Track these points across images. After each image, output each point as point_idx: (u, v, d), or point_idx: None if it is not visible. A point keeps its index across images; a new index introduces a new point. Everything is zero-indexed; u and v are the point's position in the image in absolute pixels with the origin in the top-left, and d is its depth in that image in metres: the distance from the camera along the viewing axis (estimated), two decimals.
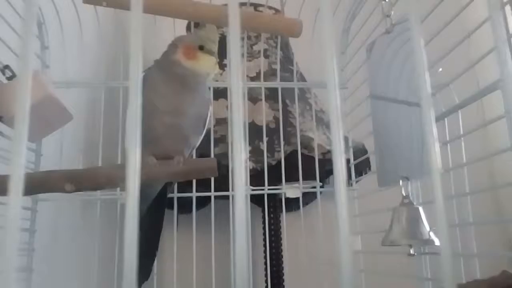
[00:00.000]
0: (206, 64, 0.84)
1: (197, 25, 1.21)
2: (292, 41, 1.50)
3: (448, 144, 0.86)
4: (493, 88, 0.72)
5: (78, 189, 0.75)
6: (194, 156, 1.02)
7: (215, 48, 0.85)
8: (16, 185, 0.25)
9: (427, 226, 0.81)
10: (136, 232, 0.24)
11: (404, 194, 0.85)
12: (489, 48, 0.67)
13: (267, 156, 1.17)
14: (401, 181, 0.85)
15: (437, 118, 0.89)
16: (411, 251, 0.82)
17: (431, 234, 0.79)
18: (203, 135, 0.91)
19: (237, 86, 0.26)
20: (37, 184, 0.74)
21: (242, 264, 0.25)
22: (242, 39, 1.26)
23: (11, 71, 0.75)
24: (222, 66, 1.26)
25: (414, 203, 0.84)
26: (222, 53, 0.88)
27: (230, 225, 1.02)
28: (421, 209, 0.83)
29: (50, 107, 0.77)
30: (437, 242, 0.79)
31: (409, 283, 0.84)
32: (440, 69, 0.82)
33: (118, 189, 1.03)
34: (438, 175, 0.27)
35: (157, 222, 0.99)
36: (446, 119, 0.88)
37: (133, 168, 0.24)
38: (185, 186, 1.11)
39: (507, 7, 0.67)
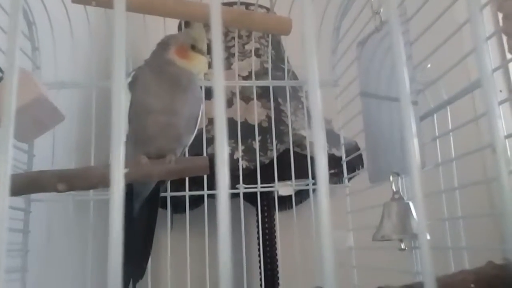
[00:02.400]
0: (199, 64, 0.85)
1: (188, 24, 1.21)
2: (284, 40, 1.50)
3: (438, 140, 0.87)
4: (476, 86, 0.72)
5: (71, 189, 0.76)
6: (187, 155, 1.03)
7: (205, 47, 0.86)
8: (3, 184, 0.25)
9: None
10: (121, 233, 0.25)
11: (394, 190, 0.85)
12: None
13: (260, 155, 1.18)
14: (391, 177, 0.85)
15: (426, 114, 0.89)
16: (402, 246, 0.82)
17: None
18: (194, 134, 0.92)
19: (219, 82, 0.27)
20: (29, 184, 0.74)
21: (226, 266, 0.25)
22: (233, 38, 1.26)
23: (2, 72, 0.75)
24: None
25: (405, 198, 0.85)
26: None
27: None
28: (411, 204, 0.83)
29: (41, 108, 0.77)
30: (427, 236, 0.79)
31: (401, 277, 0.85)
32: (429, 65, 0.83)
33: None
34: (417, 171, 0.28)
35: (151, 221, 0.99)
36: (435, 115, 0.88)
37: (117, 168, 0.24)
38: (178, 185, 1.11)
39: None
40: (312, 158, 1.15)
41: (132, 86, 0.85)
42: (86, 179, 0.76)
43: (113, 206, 0.24)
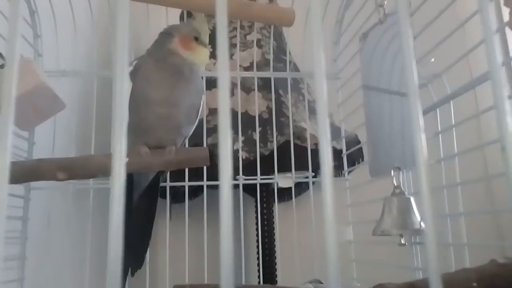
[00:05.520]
0: (202, 55, 0.86)
1: (190, 14, 1.21)
2: (286, 31, 1.49)
3: (440, 135, 0.86)
4: (484, 79, 0.72)
5: (70, 177, 0.76)
6: (187, 146, 1.02)
7: (207, 39, 0.86)
8: (3, 172, 0.25)
9: (418, 216, 0.81)
10: (121, 220, 0.24)
11: (395, 184, 0.85)
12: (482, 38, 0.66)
13: (260, 146, 1.17)
14: (392, 171, 0.85)
15: (429, 108, 0.89)
16: (402, 241, 0.82)
17: (422, 224, 0.79)
18: (195, 124, 0.92)
19: (224, 73, 0.26)
20: (29, 172, 0.74)
21: (228, 258, 0.25)
22: (235, 29, 1.25)
23: (4, 59, 0.74)
24: (215, 56, 1.26)
25: (406, 193, 0.85)
26: (214, 43, 0.89)
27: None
28: (412, 199, 0.83)
29: (42, 96, 0.77)
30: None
31: (400, 273, 0.85)
32: (432, 59, 0.82)
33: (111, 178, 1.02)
34: (424, 166, 0.27)
35: (150, 211, 0.99)
36: (438, 109, 0.88)
37: (118, 156, 0.24)
38: (178, 175, 1.11)
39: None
40: (312, 151, 1.15)
41: (133, 75, 0.85)
42: (86, 168, 0.76)
43: (114, 198, 0.24)
